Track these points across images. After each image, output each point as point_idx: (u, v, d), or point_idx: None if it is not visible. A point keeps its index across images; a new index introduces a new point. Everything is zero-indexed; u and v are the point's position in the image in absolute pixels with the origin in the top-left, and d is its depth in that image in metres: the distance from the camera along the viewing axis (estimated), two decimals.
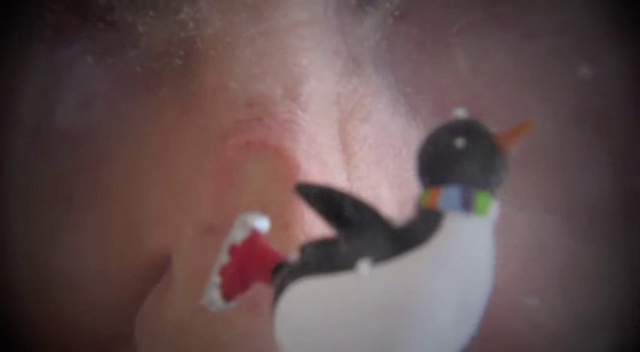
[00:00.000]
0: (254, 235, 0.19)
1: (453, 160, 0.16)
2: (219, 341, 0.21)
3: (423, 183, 0.17)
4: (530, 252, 0.25)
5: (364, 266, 0.16)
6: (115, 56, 0.24)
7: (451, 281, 0.15)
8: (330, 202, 0.17)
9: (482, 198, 0.16)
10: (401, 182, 0.23)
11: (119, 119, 0.24)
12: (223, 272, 0.19)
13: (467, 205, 0.16)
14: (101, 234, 0.24)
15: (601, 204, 0.26)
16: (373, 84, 0.24)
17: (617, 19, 0.25)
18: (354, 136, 0.23)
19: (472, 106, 0.17)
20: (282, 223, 0.21)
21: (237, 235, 0.19)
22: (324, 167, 0.22)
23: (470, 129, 0.16)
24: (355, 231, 0.17)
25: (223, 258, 0.19)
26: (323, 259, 0.17)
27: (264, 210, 0.20)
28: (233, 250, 0.19)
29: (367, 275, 0.16)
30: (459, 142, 0.16)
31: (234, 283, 0.19)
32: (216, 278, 0.19)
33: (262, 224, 0.19)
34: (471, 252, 0.16)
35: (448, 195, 0.16)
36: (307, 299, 0.17)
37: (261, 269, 0.18)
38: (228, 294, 0.19)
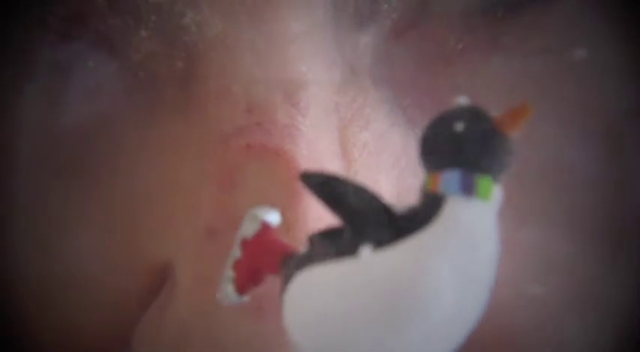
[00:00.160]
0: (264, 228, 0.20)
1: (454, 144, 0.16)
2: (222, 345, 0.21)
3: (425, 168, 0.17)
4: (534, 267, 0.24)
5: (365, 252, 0.16)
6: (117, 60, 0.24)
7: (450, 264, 0.15)
8: (332, 189, 0.17)
9: (483, 182, 0.16)
10: (401, 190, 0.24)
11: (121, 122, 0.25)
12: (236, 266, 0.20)
13: (467, 189, 0.16)
14: (101, 239, 0.25)
15: (606, 218, 0.25)
16: (371, 95, 0.24)
17: (623, 37, 0.25)
18: (353, 143, 0.23)
19: None
20: (283, 226, 0.21)
21: (248, 229, 0.20)
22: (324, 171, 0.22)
23: (470, 113, 0.16)
24: (358, 217, 0.17)
25: (236, 252, 0.20)
26: (328, 247, 0.17)
27: None
28: (244, 244, 0.20)
29: (368, 260, 0.16)
30: (459, 126, 0.16)
31: (247, 276, 0.20)
32: (229, 273, 0.20)
33: (272, 217, 0.20)
34: (472, 235, 0.16)
35: (448, 179, 0.16)
36: (312, 285, 0.17)
37: (271, 262, 0.19)
38: (241, 288, 0.20)
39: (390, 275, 0.16)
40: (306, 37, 0.23)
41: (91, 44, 0.24)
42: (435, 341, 0.16)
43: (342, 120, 0.23)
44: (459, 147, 0.16)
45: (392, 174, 0.24)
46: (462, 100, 0.17)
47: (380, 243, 0.16)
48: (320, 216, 0.21)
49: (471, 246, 0.16)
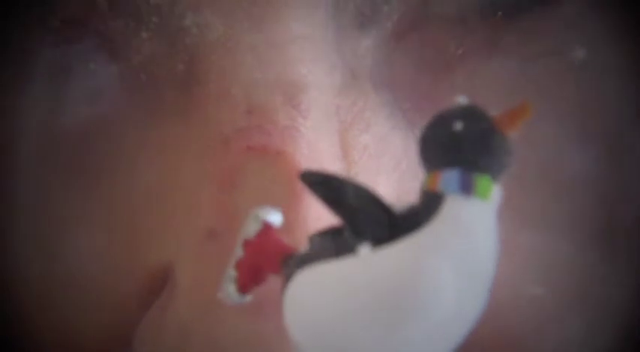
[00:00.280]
0: (266, 228, 0.20)
1: (452, 143, 0.16)
2: (222, 345, 0.21)
3: (425, 167, 0.17)
4: (534, 267, 0.24)
5: (364, 250, 0.16)
6: (118, 62, 0.24)
7: (449, 263, 0.15)
8: (332, 188, 0.17)
9: (482, 181, 0.16)
10: (401, 193, 0.24)
11: (121, 123, 0.25)
12: (238, 265, 0.20)
13: (466, 187, 0.16)
14: (101, 239, 0.25)
15: (606, 218, 0.25)
16: (372, 99, 0.24)
17: (622, 39, 0.25)
18: (354, 146, 0.23)
19: None
20: (283, 226, 0.21)
21: (250, 229, 0.20)
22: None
23: (468, 112, 0.16)
24: (357, 216, 0.17)
25: (238, 252, 0.20)
26: (328, 246, 0.17)
27: None
28: (246, 244, 0.20)
29: (367, 258, 0.16)
30: (458, 125, 0.16)
31: (249, 276, 0.20)
32: (231, 272, 0.20)
33: (274, 218, 0.20)
34: (471, 234, 0.16)
35: (447, 178, 0.16)
36: (311, 284, 0.17)
37: (272, 261, 0.19)
38: (243, 287, 0.20)
39: (388, 274, 0.16)
40: (306, 39, 0.23)
41: (91, 45, 0.25)
42: (435, 339, 0.16)
43: (343, 122, 0.23)
44: (457, 147, 0.16)
45: (392, 176, 0.24)
46: (462, 100, 0.17)
47: (379, 241, 0.16)
48: (320, 217, 0.21)
49: (469, 244, 0.16)
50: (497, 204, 0.16)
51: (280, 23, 0.22)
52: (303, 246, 0.19)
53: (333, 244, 0.17)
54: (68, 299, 0.25)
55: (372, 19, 0.23)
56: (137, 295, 0.24)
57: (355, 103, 0.24)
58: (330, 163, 0.23)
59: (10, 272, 0.25)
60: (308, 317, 0.17)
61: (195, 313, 0.22)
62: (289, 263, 0.18)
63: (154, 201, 0.24)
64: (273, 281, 0.19)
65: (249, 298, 0.20)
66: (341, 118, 0.23)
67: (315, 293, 0.17)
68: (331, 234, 0.18)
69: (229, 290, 0.20)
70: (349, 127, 0.23)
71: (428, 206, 0.16)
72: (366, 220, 0.17)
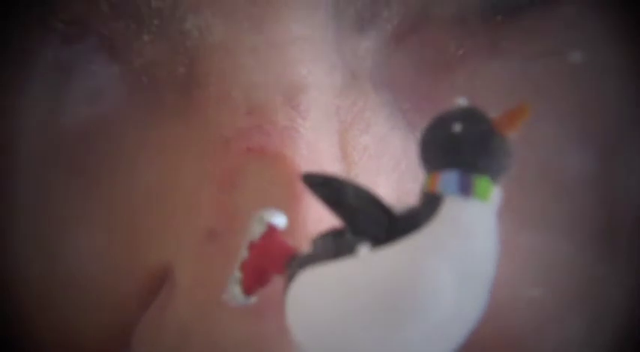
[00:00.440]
0: (271, 230, 0.20)
1: (451, 145, 0.16)
2: (222, 345, 0.22)
3: (424, 168, 0.17)
4: (534, 268, 0.24)
5: (363, 250, 0.16)
6: (119, 64, 0.24)
7: (447, 264, 0.15)
8: (332, 190, 0.17)
9: (481, 182, 0.16)
10: (401, 193, 0.24)
11: (122, 125, 0.25)
12: (243, 267, 0.20)
13: (465, 189, 0.16)
14: (101, 239, 0.25)
15: (605, 218, 0.25)
16: (372, 99, 0.24)
17: (622, 39, 0.25)
18: (354, 146, 0.23)
19: None
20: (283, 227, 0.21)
21: (255, 231, 0.20)
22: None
23: (467, 114, 0.16)
24: (357, 217, 0.17)
25: (243, 254, 0.20)
26: (329, 247, 0.17)
27: None
28: (251, 246, 0.20)
29: (366, 259, 0.16)
30: (457, 127, 0.16)
31: (254, 278, 0.20)
32: (236, 274, 0.20)
33: (279, 220, 0.20)
34: (470, 235, 0.16)
35: (446, 179, 0.16)
36: (312, 285, 0.17)
37: (276, 263, 0.19)
38: (248, 289, 0.20)
39: (387, 274, 0.16)
40: (306, 40, 0.23)
41: (93, 47, 0.25)
42: (435, 340, 0.16)
43: (343, 123, 0.23)
44: (456, 148, 0.16)
45: (392, 177, 0.24)
46: (462, 101, 0.17)
47: (378, 242, 0.16)
48: (320, 218, 0.21)
49: (468, 245, 0.16)
50: (498, 205, 0.16)
51: (280, 24, 0.22)
52: (303, 246, 0.19)
53: (334, 245, 0.17)
54: (68, 299, 0.25)
55: (372, 22, 0.23)
56: (137, 295, 0.24)
57: (355, 104, 0.24)
58: (330, 164, 0.23)
59: (10, 272, 0.25)
60: (309, 318, 0.17)
61: (195, 313, 0.22)
62: (292, 264, 0.18)
63: (154, 201, 0.24)
64: (274, 282, 0.19)
65: (254, 300, 0.20)
66: (341, 119, 0.23)
67: (315, 293, 0.17)
68: (333, 235, 0.18)
69: (234, 291, 0.20)
70: (349, 128, 0.23)
71: (427, 207, 0.16)
72: (365, 221, 0.17)
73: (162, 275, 0.24)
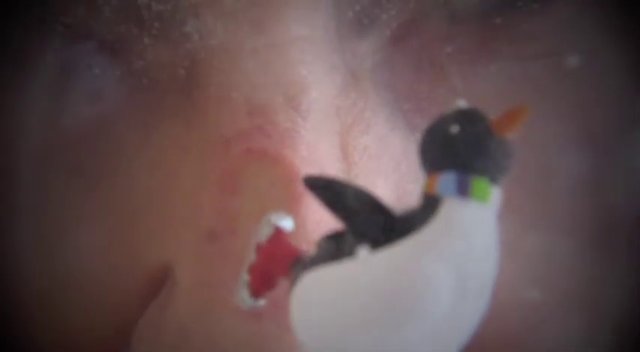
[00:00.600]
0: (277, 233, 0.20)
1: (449, 146, 0.16)
2: (221, 346, 0.22)
3: (424, 170, 0.17)
4: (534, 268, 0.24)
5: (362, 252, 0.16)
6: (120, 66, 0.24)
7: (445, 265, 0.15)
8: (333, 192, 0.17)
9: (479, 183, 0.16)
10: (401, 194, 0.24)
11: (122, 125, 0.25)
12: (251, 270, 0.20)
13: (463, 190, 0.16)
14: (101, 239, 0.25)
15: (606, 219, 0.25)
16: (372, 100, 0.24)
17: (621, 39, 0.25)
18: (354, 146, 0.23)
19: None
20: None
21: (262, 234, 0.20)
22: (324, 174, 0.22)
23: (465, 116, 0.16)
24: (356, 219, 0.17)
25: (251, 257, 0.20)
26: (330, 249, 0.18)
27: None
28: (259, 249, 0.20)
29: (365, 260, 0.16)
30: (454, 129, 0.16)
31: (261, 280, 0.20)
32: (244, 277, 0.20)
33: (286, 222, 0.20)
34: (468, 237, 0.16)
35: (444, 181, 0.16)
36: (314, 286, 0.17)
37: (282, 265, 0.19)
38: (256, 292, 0.20)
39: (385, 275, 0.16)
40: (307, 40, 0.23)
41: (93, 49, 0.25)
42: (435, 341, 0.16)
43: (343, 123, 0.23)
44: (454, 150, 0.16)
45: (392, 177, 0.24)
46: (461, 103, 0.17)
47: (377, 243, 0.16)
48: (319, 219, 0.21)
49: (467, 246, 0.16)
50: (498, 206, 0.16)
51: (280, 25, 0.22)
52: (302, 247, 0.19)
53: (336, 247, 0.17)
54: (68, 299, 0.25)
55: (373, 21, 0.23)
56: (137, 295, 0.24)
57: (355, 104, 0.24)
58: (330, 164, 0.23)
59: (10, 272, 0.25)
60: (311, 319, 0.17)
61: (195, 313, 0.22)
62: (297, 266, 0.18)
63: (154, 202, 0.24)
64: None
65: (263, 302, 0.20)
66: (341, 119, 0.23)
67: (317, 294, 0.17)
68: (335, 237, 0.18)
69: (243, 294, 0.20)
70: (349, 128, 0.23)
71: (426, 208, 0.16)
72: (364, 223, 0.17)
73: (162, 275, 0.24)
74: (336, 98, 0.23)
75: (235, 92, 0.23)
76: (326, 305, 0.17)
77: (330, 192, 0.18)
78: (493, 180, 0.16)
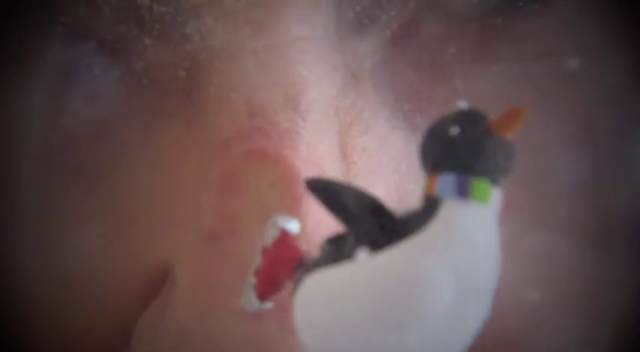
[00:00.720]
0: (283, 235, 0.20)
1: (448, 148, 0.16)
2: (221, 346, 0.22)
3: (424, 171, 0.17)
4: (535, 268, 0.24)
5: (362, 254, 0.16)
6: (120, 67, 0.24)
7: (444, 266, 0.15)
8: (334, 194, 0.17)
9: (479, 185, 0.16)
10: (401, 194, 0.24)
11: (123, 127, 0.25)
12: (257, 273, 0.20)
13: (462, 191, 0.16)
14: (102, 240, 0.25)
15: (606, 219, 0.25)
16: (371, 100, 0.24)
17: (621, 40, 0.25)
18: (353, 147, 0.23)
19: None
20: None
21: (268, 237, 0.20)
22: (324, 175, 0.22)
23: (465, 117, 0.16)
24: (357, 221, 0.17)
25: (257, 259, 0.20)
26: (332, 251, 0.18)
27: (266, 217, 0.21)
28: (265, 251, 0.20)
29: (365, 263, 0.16)
30: (454, 130, 0.16)
31: (267, 283, 0.20)
32: (251, 279, 0.20)
33: (291, 225, 0.20)
34: (468, 238, 0.16)
35: (444, 182, 0.16)
36: (316, 288, 0.17)
37: (287, 268, 0.19)
38: (262, 294, 0.20)
39: (385, 277, 0.16)
40: (306, 41, 0.23)
41: (94, 49, 0.25)
42: (435, 342, 0.16)
43: (342, 124, 0.23)
44: (453, 151, 0.16)
45: (392, 178, 0.24)
46: (462, 104, 0.17)
47: (377, 245, 0.16)
48: (319, 219, 0.21)
49: (466, 247, 0.16)
50: (498, 207, 0.16)
51: (280, 25, 0.22)
52: (302, 247, 0.19)
53: (337, 249, 0.17)
54: (68, 299, 0.25)
55: (373, 22, 0.23)
56: (137, 295, 0.24)
57: (355, 104, 0.24)
58: (330, 165, 0.23)
59: (10, 272, 0.25)
60: (313, 320, 0.17)
61: (195, 313, 0.22)
62: (300, 268, 0.18)
63: (154, 202, 0.24)
64: None
65: (269, 305, 0.20)
66: (341, 119, 0.23)
67: (318, 296, 0.17)
68: (337, 239, 0.18)
69: (249, 297, 0.20)
70: (349, 128, 0.23)
71: (426, 210, 0.16)
72: (365, 226, 0.17)
73: (162, 275, 0.24)
74: (336, 98, 0.23)
75: (235, 93, 0.23)
76: (327, 307, 0.17)
77: (331, 194, 0.18)
78: (493, 180, 0.16)
